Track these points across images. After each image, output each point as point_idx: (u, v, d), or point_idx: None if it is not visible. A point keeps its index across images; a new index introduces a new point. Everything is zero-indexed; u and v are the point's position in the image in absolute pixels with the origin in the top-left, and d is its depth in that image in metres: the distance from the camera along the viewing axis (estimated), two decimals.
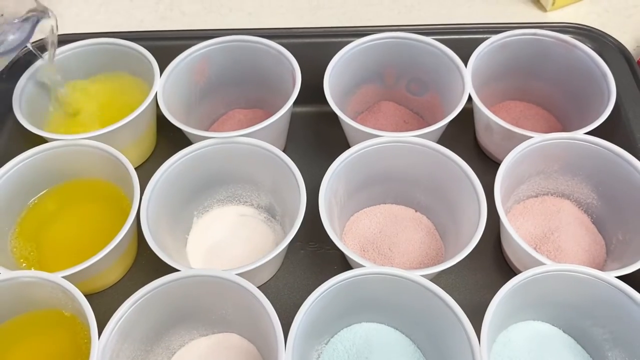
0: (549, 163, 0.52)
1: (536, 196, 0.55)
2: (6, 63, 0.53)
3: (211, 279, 0.43)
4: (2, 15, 0.50)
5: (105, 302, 0.49)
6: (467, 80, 0.54)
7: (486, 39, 0.57)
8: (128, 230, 0.47)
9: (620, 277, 0.43)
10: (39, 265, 0.51)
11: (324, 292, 0.42)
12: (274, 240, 0.54)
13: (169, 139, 0.61)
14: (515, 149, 0.49)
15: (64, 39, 0.61)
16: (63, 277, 0.43)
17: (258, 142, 0.51)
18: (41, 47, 0.62)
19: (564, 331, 0.48)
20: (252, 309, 0.43)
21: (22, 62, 0.61)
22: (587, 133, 0.51)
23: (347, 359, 0.46)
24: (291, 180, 0.49)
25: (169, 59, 0.56)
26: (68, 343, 0.45)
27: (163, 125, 0.57)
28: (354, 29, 0.63)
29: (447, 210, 0.52)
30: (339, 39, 0.60)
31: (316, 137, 0.62)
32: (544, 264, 0.44)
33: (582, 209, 0.54)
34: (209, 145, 0.51)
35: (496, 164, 0.50)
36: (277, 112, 0.52)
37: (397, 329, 0.48)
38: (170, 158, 0.51)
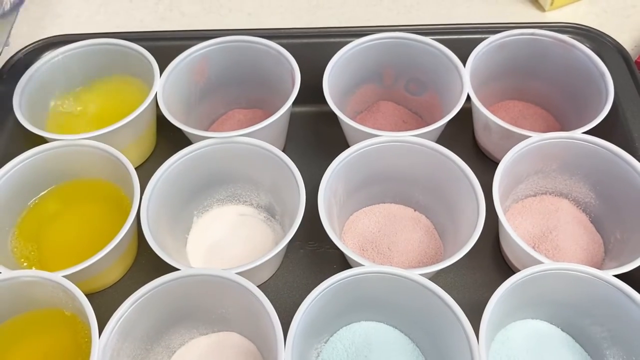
0: (547, 162, 0.52)
1: (534, 195, 0.55)
2: (9, 27, 0.51)
3: (211, 278, 0.43)
4: None
5: (105, 302, 0.49)
6: (466, 80, 0.54)
7: (485, 39, 0.57)
8: (128, 230, 0.47)
9: (618, 276, 0.43)
10: (40, 265, 0.51)
11: (323, 291, 0.42)
12: (273, 239, 0.54)
13: (168, 139, 0.61)
14: (513, 148, 0.50)
15: (64, 40, 0.61)
16: (64, 276, 0.43)
17: (257, 142, 0.51)
18: (44, 47, 0.62)
19: (562, 330, 0.48)
20: (251, 308, 0.43)
21: (23, 62, 0.61)
22: (585, 132, 0.51)
23: (347, 357, 0.46)
24: (290, 179, 0.50)
25: (168, 59, 0.56)
26: (69, 342, 0.46)
27: (163, 125, 0.57)
28: (353, 29, 0.63)
29: (446, 210, 0.52)
30: (338, 39, 0.60)
31: (315, 137, 0.63)
32: (542, 262, 0.44)
33: (580, 208, 0.55)
34: (208, 145, 0.52)
35: (495, 164, 0.50)
36: (277, 112, 0.52)
37: (396, 328, 0.48)
38: (170, 158, 0.51)
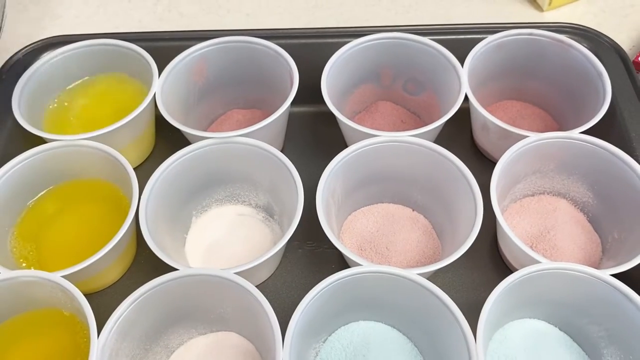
0: (544, 162, 0.53)
1: (532, 195, 0.55)
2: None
3: (209, 278, 0.43)
4: None
5: (104, 302, 0.50)
6: (464, 80, 0.54)
7: (483, 39, 0.57)
8: (127, 230, 0.47)
9: (615, 275, 0.43)
10: (39, 265, 0.51)
11: (321, 290, 0.42)
12: (272, 239, 0.54)
13: (167, 139, 0.61)
14: (511, 148, 0.50)
15: (64, 40, 0.61)
16: (62, 276, 0.43)
17: (256, 142, 0.51)
18: (43, 47, 0.62)
19: (559, 329, 0.48)
20: (250, 307, 0.43)
21: (22, 62, 0.61)
22: (582, 132, 0.51)
23: (345, 357, 0.46)
24: (289, 179, 0.50)
25: (167, 59, 0.57)
26: (67, 342, 0.46)
27: (162, 126, 0.57)
28: (351, 29, 0.64)
29: (444, 210, 0.52)
30: (337, 40, 0.60)
31: (314, 137, 0.63)
32: (539, 262, 0.44)
33: (578, 208, 0.55)
34: (207, 145, 0.52)
35: (493, 163, 0.50)
36: (275, 112, 0.52)
37: (394, 327, 0.48)
38: (169, 158, 0.51)
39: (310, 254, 0.54)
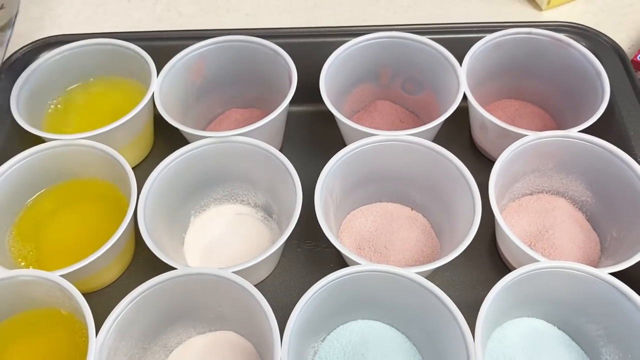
0: (543, 161, 0.53)
1: (531, 194, 0.55)
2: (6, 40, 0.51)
3: (208, 277, 0.43)
4: (2, 6, 0.49)
5: (102, 301, 0.50)
6: (462, 79, 0.54)
7: (481, 38, 0.57)
8: (125, 229, 0.47)
9: (614, 274, 0.43)
10: (37, 265, 0.51)
11: (319, 289, 0.42)
12: (270, 238, 0.54)
13: (166, 138, 0.61)
14: (509, 147, 0.50)
15: (62, 40, 0.61)
16: (61, 275, 0.43)
17: (255, 141, 0.51)
18: (42, 46, 0.62)
19: (558, 328, 0.48)
20: (248, 306, 0.43)
21: (21, 61, 0.61)
22: (581, 131, 0.51)
23: (343, 356, 0.46)
24: (287, 179, 0.50)
25: (165, 59, 0.57)
26: (66, 341, 0.46)
27: (160, 125, 0.57)
28: (349, 28, 0.64)
29: (443, 209, 0.52)
30: (335, 39, 0.60)
31: (312, 136, 0.63)
32: (538, 261, 0.44)
33: (576, 207, 0.55)
34: (205, 144, 0.52)
35: (491, 162, 0.50)
36: (274, 112, 0.52)
37: (392, 326, 0.48)
38: (167, 157, 0.51)
39: (309, 253, 0.54)
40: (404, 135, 0.51)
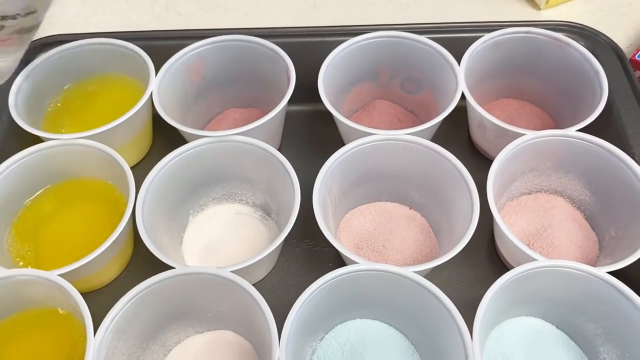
0: (541, 160, 0.53)
1: (529, 193, 0.56)
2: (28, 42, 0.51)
3: (206, 277, 0.43)
4: (34, 10, 0.49)
5: (101, 300, 0.49)
6: (461, 79, 0.54)
7: (480, 37, 0.57)
8: (124, 229, 0.47)
9: (612, 273, 0.43)
10: (36, 265, 0.51)
11: (317, 288, 0.42)
12: (269, 238, 0.54)
13: (164, 138, 0.61)
14: (507, 146, 0.50)
15: (61, 40, 0.61)
16: (59, 275, 0.43)
17: (253, 140, 0.51)
18: (41, 46, 0.62)
19: (556, 327, 0.48)
20: (247, 306, 0.43)
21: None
22: (579, 130, 0.51)
23: (342, 355, 0.46)
24: (286, 178, 0.50)
25: (164, 58, 0.57)
26: (64, 341, 0.46)
27: (159, 125, 0.57)
28: (348, 28, 0.63)
29: (441, 208, 0.52)
30: (334, 38, 0.60)
31: (311, 136, 0.63)
32: (536, 260, 0.44)
33: (575, 206, 0.55)
34: (204, 144, 0.52)
35: (490, 162, 0.50)
36: (272, 111, 0.52)
37: (391, 325, 0.48)
38: (166, 157, 0.51)
39: (307, 253, 0.54)
40: (402, 134, 0.51)
